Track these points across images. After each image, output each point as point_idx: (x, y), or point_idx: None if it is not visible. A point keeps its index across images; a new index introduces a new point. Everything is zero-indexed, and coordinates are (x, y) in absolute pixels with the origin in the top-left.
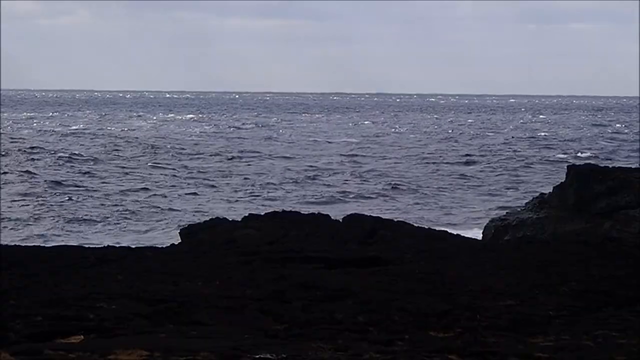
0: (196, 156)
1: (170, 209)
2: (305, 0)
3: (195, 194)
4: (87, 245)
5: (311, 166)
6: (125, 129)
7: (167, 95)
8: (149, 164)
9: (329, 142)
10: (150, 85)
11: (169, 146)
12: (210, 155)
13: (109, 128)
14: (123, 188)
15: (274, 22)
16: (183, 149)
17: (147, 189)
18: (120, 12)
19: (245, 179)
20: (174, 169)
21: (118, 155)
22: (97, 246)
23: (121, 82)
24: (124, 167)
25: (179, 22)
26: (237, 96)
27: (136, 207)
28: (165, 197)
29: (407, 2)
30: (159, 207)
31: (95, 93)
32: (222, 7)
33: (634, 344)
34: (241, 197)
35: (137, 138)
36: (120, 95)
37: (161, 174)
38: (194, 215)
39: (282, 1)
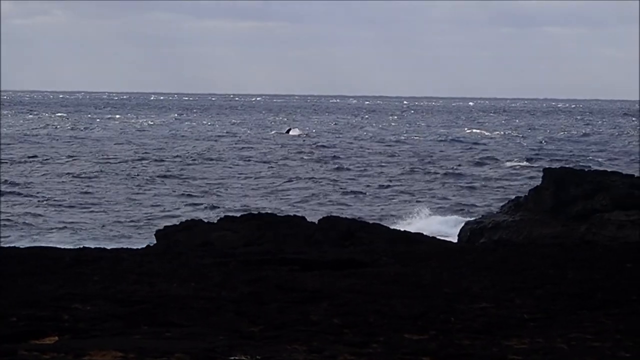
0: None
1: None
2: (281, 0)
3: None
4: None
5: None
6: None
7: (152, 97)
8: None
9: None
10: (126, 86)
11: None
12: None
13: None
14: None
15: (249, 24)
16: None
17: None
18: (96, 13)
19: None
20: None
21: None
22: (72, 247)
23: (96, 83)
24: None
25: (154, 23)
26: (213, 98)
27: None
28: None
29: (383, 3)
30: None
31: (61, 95)
32: (197, 8)
33: (607, 347)
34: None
35: None
36: (86, 96)
37: None
38: None
39: (257, 1)
